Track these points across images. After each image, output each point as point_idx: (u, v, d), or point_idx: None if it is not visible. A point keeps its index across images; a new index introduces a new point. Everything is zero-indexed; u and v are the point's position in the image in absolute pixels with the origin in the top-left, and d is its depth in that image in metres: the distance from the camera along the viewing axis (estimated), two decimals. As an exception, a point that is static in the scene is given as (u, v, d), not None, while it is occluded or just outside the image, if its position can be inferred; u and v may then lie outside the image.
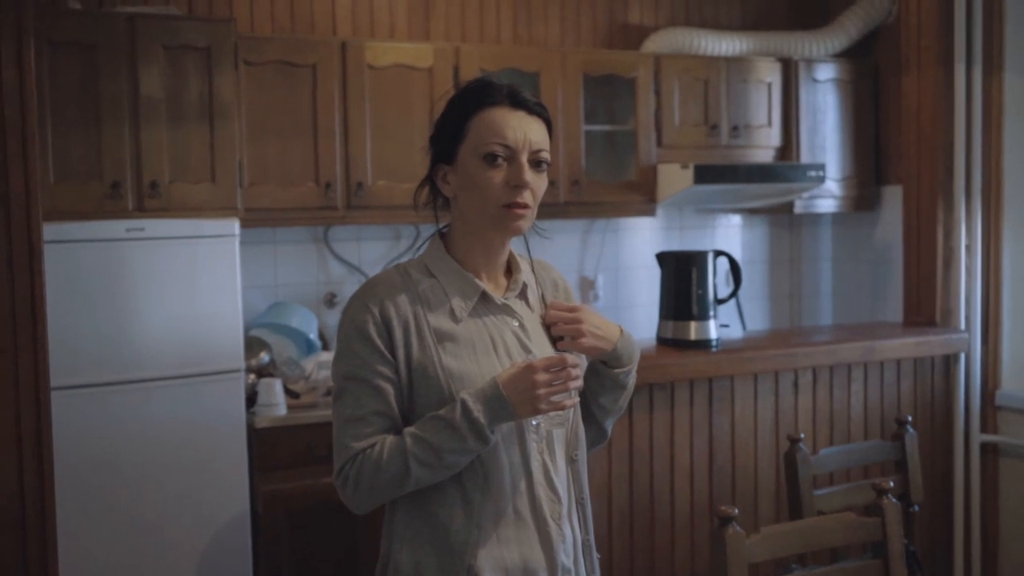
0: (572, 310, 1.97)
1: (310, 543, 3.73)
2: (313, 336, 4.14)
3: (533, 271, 2.07)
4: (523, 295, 2.00)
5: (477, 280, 1.93)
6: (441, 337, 1.89)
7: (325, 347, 4.26)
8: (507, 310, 1.95)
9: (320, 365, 3.95)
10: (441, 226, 2.01)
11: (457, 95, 1.96)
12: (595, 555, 2.04)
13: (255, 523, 3.66)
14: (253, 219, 3.89)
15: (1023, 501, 4.05)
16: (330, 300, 4.42)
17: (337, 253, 4.45)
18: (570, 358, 1.83)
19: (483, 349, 1.90)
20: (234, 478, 3.60)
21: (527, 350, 1.93)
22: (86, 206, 3.52)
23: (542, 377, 1.80)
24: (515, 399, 1.81)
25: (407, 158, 4.08)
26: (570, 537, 1.95)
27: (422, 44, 4.21)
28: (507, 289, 1.98)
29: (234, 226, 3.63)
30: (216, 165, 3.72)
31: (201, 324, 3.55)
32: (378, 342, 1.86)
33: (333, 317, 4.38)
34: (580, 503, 1.99)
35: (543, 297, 2.05)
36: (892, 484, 2.62)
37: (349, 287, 4.43)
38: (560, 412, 1.90)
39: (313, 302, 4.39)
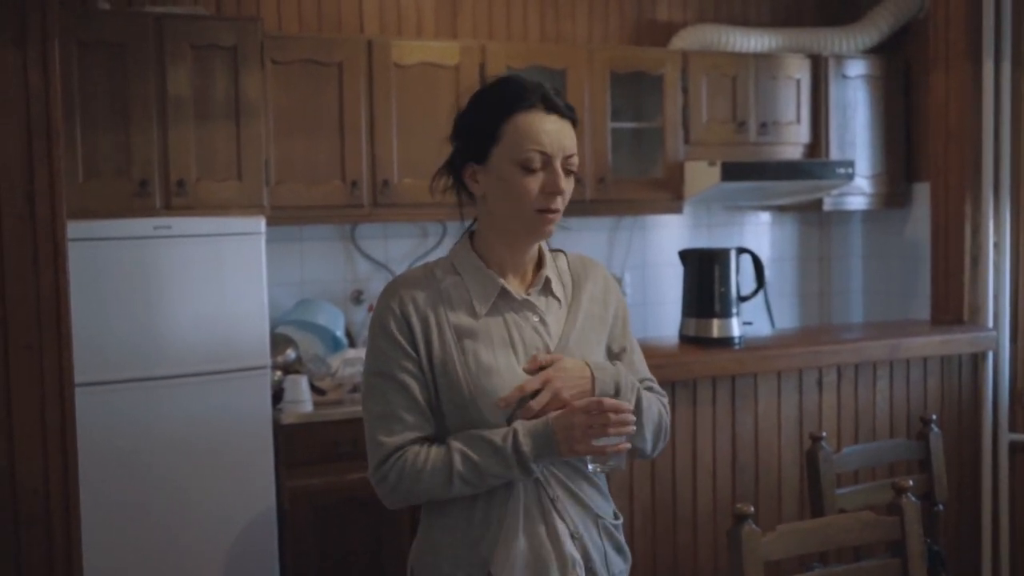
0: (544, 377, 1.91)
1: (336, 539, 3.75)
2: (340, 333, 4.17)
3: (569, 267, 2.07)
4: (547, 290, 2.00)
5: (497, 277, 1.95)
6: (461, 334, 1.91)
7: (352, 344, 4.29)
8: (528, 305, 1.96)
9: (346, 362, 3.98)
10: (470, 224, 2.03)
11: (488, 93, 1.98)
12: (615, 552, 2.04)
13: (281, 519, 3.69)
14: (280, 217, 3.93)
15: (1053, 501, 4.01)
16: (357, 297, 4.45)
17: (364, 250, 4.48)
18: (609, 402, 1.84)
19: (502, 345, 1.91)
20: (260, 474, 3.64)
21: (547, 346, 1.94)
22: (114, 204, 3.57)
23: (579, 419, 1.83)
24: (560, 437, 1.84)
25: (433, 156, 3.98)
26: (583, 533, 1.95)
27: (449, 42, 4.23)
28: (531, 285, 1.99)
29: (260, 224, 3.66)
30: (243, 163, 3.75)
31: (227, 321, 3.58)
32: (400, 338, 1.90)
33: (360, 314, 4.41)
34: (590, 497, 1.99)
35: (582, 292, 2.04)
36: (912, 483, 2.60)
37: (376, 284, 4.46)
38: (612, 456, 1.89)
39: (340, 299, 4.42)
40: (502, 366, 1.89)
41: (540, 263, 2.02)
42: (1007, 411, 4.08)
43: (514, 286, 1.97)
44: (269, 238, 3.79)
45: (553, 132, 1.89)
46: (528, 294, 1.97)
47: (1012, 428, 4.09)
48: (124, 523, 3.45)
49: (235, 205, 3.74)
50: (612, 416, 1.84)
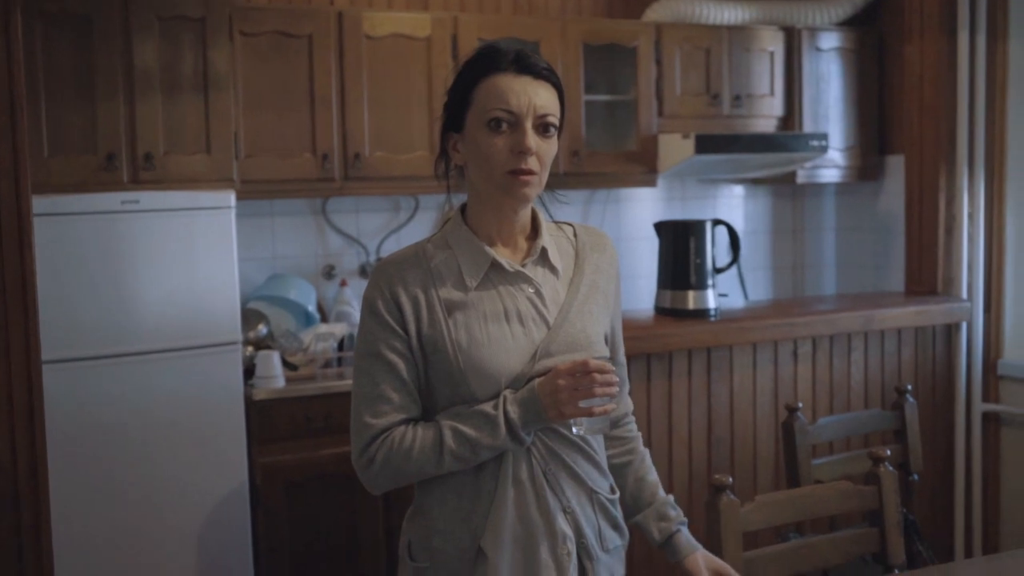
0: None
1: (309, 514, 3.73)
2: (311, 308, 4.13)
3: (576, 237, 2.05)
4: (544, 261, 1.98)
5: (488, 248, 1.92)
6: (451, 308, 1.89)
7: (324, 319, 4.25)
8: (522, 277, 1.94)
9: (318, 337, 3.94)
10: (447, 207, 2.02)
11: (466, 61, 1.95)
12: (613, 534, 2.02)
13: (253, 495, 3.66)
14: (250, 191, 3.88)
15: (1024, 471, 4.04)
16: (328, 272, 4.40)
17: (335, 225, 4.43)
18: (594, 363, 1.83)
19: (494, 318, 1.89)
20: (232, 450, 3.60)
21: (543, 317, 1.92)
22: (81, 179, 3.51)
23: (563, 382, 1.82)
24: (546, 401, 1.83)
25: (405, 129, 4.06)
26: (575, 508, 1.93)
27: (420, 14, 4.18)
28: (526, 256, 1.97)
29: (230, 198, 3.61)
30: (212, 137, 3.70)
31: (198, 296, 3.54)
32: (388, 318, 1.89)
33: (332, 289, 4.37)
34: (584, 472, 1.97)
35: (586, 263, 2.02)
36: (889, 452, 2.61)
37: (348, 259, 4.42)
38: (597, 419, 1.89)
39: (312, 274, 4.38)
40: (494, 339, 1.88)
41: (536, 233, 2.00)
42: (980, 381, 4.10)
43: (506, 257, 1.94)
44: (239, 212, 3.74)
45: (522, 92, 1.86)
46: (523, 265, 1.95)
47: (985, 398, 4.11)
48: (95, 500, 3.41)
49: (204, 179, 3.69)
50: (598, 377, 1.83)
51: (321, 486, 3.72)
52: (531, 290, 1.94)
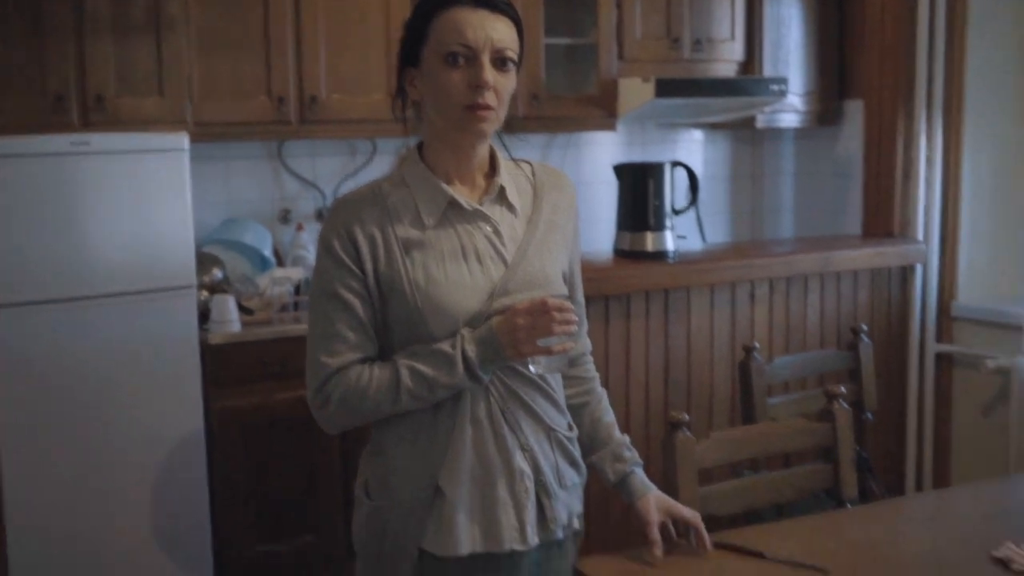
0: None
1: (266, 459, 3.72)
2: (267, 252, 4.09)
3: (534, 175, 2.03)
4: (502, 199, 1.96)
5: (445, 186, 1.90)
6: (408, 247, 1.87)
7: (280, 263, 4.22)
8: (480, 216, 1.92)
9: (275, 281, 3.91)
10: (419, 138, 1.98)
11: None
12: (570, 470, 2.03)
13: (209, 440, 3.64)
14: (204, 134, 3.81)
15: (975, 410, 4.10)
16: (284, 216, 4.36)
17: (292, 169, 4.38)
18: (552, 301, 1.82)
19: (452, 257, 1.88)
20: (187, 395, 3.57)
21: (501, 256, 1.91)
22: (29, 120, 3.44)
23: (521, 320, 1.81)
24: (504, 340, 1.82)
25: (363, 71, 4.00)
26: (533, 446, 1.93)
27: (378, -49, 4.10)
28: (484, 194, 1.95)
29: (183, 140, 3.55)
30: (164, 78, 3.64)
31: (151, 239, 3.49)
32: (344, 257, 1.86)
33: (288, 233, 4.33)
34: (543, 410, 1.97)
35: (544, 202, 2.01)
36: (843, 390, 2.63)
37: (304, 203, 4.38)
38: (555, 357, 1.88)
39: (267, 218, 4.33)
40: (452, 278, 1.86)
41: (494, 171, 1.97)
42: (934, 322, 4.14)
43: (464, 195, 1.92)
44: (194, 156, 3.68)
45: (478, 25, 1.83)
46: (480, 203, 1.93)
47: (939, 339, 4.16)
48: (48, 446, 3.38)
49: (157, 121, 3.63)
50: (556, 315, 1.82)
51: (277, 430, 3.71)
52: (489, 228, 1.92)
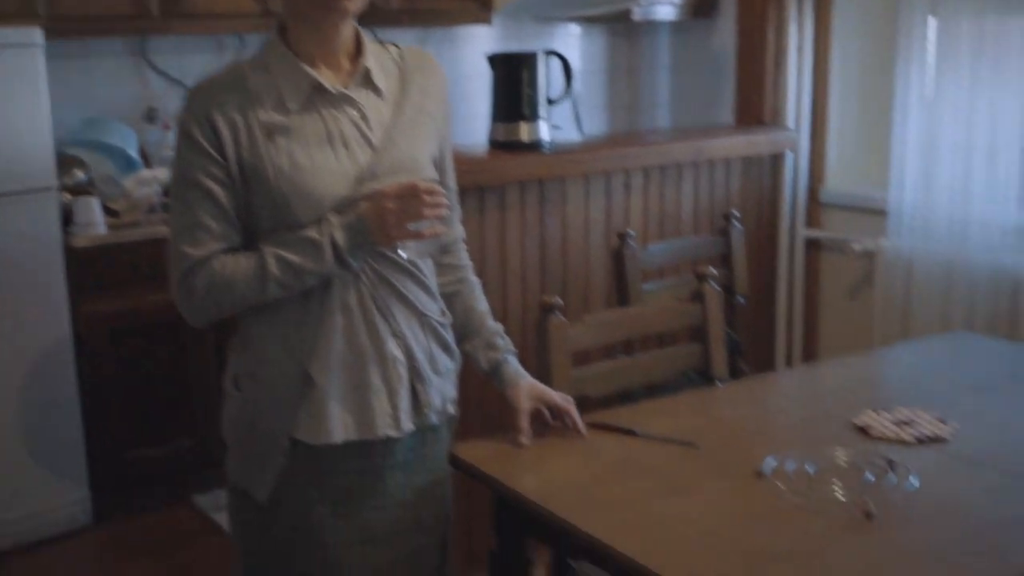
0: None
1: (135, 362, 3.65)
2: (133, 153, 3.96)
3: (401, 58, 1.98)
4: (367, 83, 1.90)
5: (309, 69, 1.84)
6: (271, 132, 1.82)
7: (147, 164, 4.09)
8: (346, 99, 1.87)
9: (141, 183, 3.79)
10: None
11: None
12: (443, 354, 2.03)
13: (78, 346, 3.55)
14: (61, 29, 3.63)
15: (843, 293, 4.23)
16: (150, 115, 4.20)
17: (157, 66, 4.22)
18: (422, 184, 1.79)
19: (317, 143, 1.83)
20: (52, 300, 3.47)
21: (368, 140, 1.87)
22: None
23: (391, 204, 1.78)
24: (373, 225, 1.79)
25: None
26: (406, 332, 1.92)
27: None
28: (349, 77, 1.89)
29: (36, 34, 3.39)
30: (12, -33, 3.45)
31: (6, 139, 3.36)
32: (204, 144, 1.80)
33: (154, 133, 4.18)
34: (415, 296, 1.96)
35: (411, 85, 1.96)
36: (713, 271, 2.68)
37: (170, 102, 4.22)
38: (426, 242, 1.87)
39: (132, 118, 4.17)
40: (318, 163, 1.82)
41: (360, 54, 1.92)
42: (804, 209, 4.24)
43: (329, 79, 1.87)
44: (52, 53, 3.51)
45: None
46: (346, 87, 1.87)
47: (808, 225, 4.26)
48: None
49: (5, 13, 3.44)
50: (426, 199, 1.80)
51: (150, 334, 3.64)
52: (355, 113, 1.88)
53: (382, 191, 1.81)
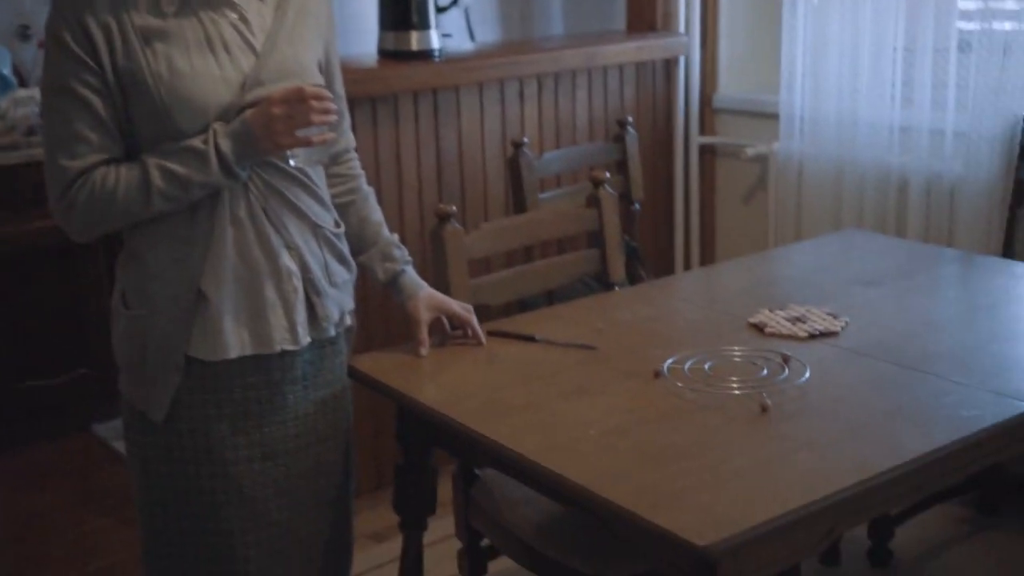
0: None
1: (23, 291, 3.53)
2: (7, 72, 3.79)
3: None
4: None
5: None
6: (148, 37, 1.74)
7: (23, 83, 3.91)
8: (225, 2, 1.80)
9: (17, 103, 3.64)
10: None
11: None
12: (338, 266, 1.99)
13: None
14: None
15: (737, 199, 4.27)
16: (24, 33, 4.01)
17: (26, -21, 4.03)
18: (309, 90, 1.74)
19: (197, 47, 1.76)
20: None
21: (250, 45, 1.81)
22: None
23: (278, 110, 1.73)
24: (259, 132, 1.73)
25: None
26: (300, 244, 1.88)
27: None
28: None
29: None
30: None
31: None
32: (77, 49, 1.72)
33: (29, 51, 4.00)
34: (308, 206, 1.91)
35: None
36: (608, 175, 2.68)
37: (43, 18, 4.01)
38: (315, 149, 1.83)
39: (4, 36, 3.98)
40: (199, 70, 1.75)
41: None
42: (698, 115, 4.25)
43: None
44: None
45: None
46: None
47: (702, 131, 4.28)
48: None
49: None
50: (314, 104, 1.75)
51: (37, 260, 3.52)
52: (235, 16, 1.82)
53: (268, 97, 1.76)
